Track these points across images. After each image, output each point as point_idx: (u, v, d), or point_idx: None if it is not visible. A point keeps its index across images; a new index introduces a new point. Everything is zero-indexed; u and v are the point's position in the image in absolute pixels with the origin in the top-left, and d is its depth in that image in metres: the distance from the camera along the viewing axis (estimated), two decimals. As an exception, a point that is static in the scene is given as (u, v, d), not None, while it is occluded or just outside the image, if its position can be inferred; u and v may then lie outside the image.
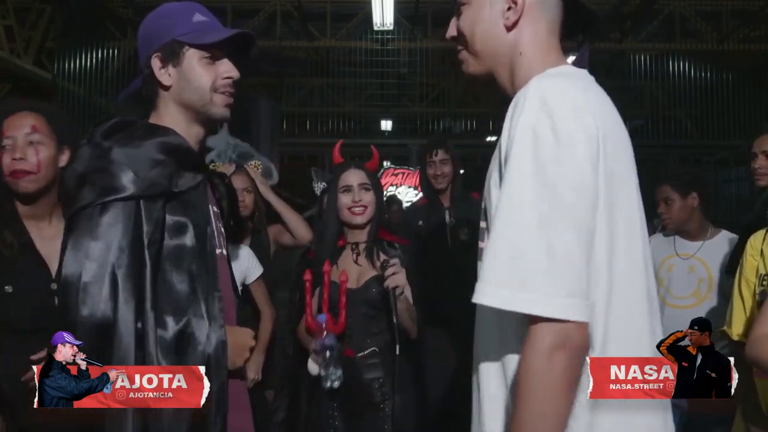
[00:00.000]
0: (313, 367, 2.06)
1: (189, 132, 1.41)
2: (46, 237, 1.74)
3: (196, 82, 1.38)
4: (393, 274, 2.08)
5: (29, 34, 8.26)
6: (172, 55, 1.38)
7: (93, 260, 1.24)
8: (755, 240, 2.02)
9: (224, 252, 1.49)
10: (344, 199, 2.26)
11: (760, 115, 9.20)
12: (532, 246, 0.92)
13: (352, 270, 2.26)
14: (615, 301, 0.98)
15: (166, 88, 1.40)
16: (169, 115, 1.41)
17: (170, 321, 1.27)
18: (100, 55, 8.53)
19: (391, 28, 7.85)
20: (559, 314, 0.90)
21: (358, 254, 2.27)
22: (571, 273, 0.91)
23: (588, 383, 0.97)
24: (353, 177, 2.28)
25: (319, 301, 2.17)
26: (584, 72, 1.12)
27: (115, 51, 8.75)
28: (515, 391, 0.96)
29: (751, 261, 1.99)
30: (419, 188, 9.96)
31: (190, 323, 1.29)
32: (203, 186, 1.42)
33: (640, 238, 1.04)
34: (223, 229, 1.51)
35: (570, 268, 0.91)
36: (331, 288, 2.18)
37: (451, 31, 1.19)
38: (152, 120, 1.42)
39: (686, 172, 3.21)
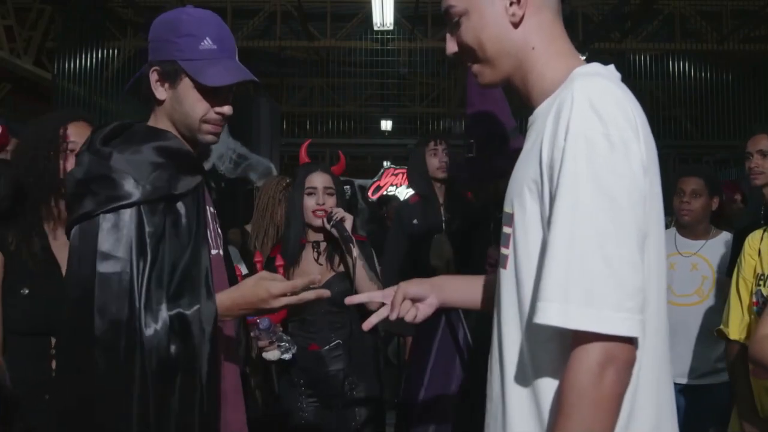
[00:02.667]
0: (267, 355, 2.14)
1: (185, 138, 1.41)
2: (61, 241, 1.75)
3: (187, 109, 1.36)
4: (338, 211, 2.25)
5: (29, 34, 8.27)
6: (169, 75, 1.35)
7: (99, 267, 1.24)
8: (753, 240, 2.02)
9: (221, 253, 1.50)
10: (308, 202, 2.32)
11: (760, 115, 9.21)
12: (590, 258, 0.88)
13: (314, 269, 2.33)
14: (649, 308, 0.95)
15: (160, 102, 1.39)
16: (163, 123, 1.41)
17: (166, 315, 1.28)
18: (100, 55, 8.55)
19: (391, 28, 7.85)
20: (620, 330, 0.87)
21: (319, 253, 2.35)
22: (631, 285, 0.88)
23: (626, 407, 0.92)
24: (319, 180, 2.34)
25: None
26: (612, 68, 1.07)
27: (115, 51, 8.76)
28: (559, 408, 0.91)
29: (749, 261, 2.00)
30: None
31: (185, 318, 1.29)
32: (201, 188, 1.43)
33: (664, 240, 1.01)
34: (219, 231, 1.51)
35: (631, 281, 0.88)
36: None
37: (451, 48, 1.14)
38: (151, 122, 1.42)
39: (716, 177, 3.24)
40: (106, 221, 1.26)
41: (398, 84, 10.85)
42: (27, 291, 1.66)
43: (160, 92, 1.37)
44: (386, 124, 12.16)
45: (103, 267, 1.25)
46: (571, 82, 0.99)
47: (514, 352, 1.02)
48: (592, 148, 0.90)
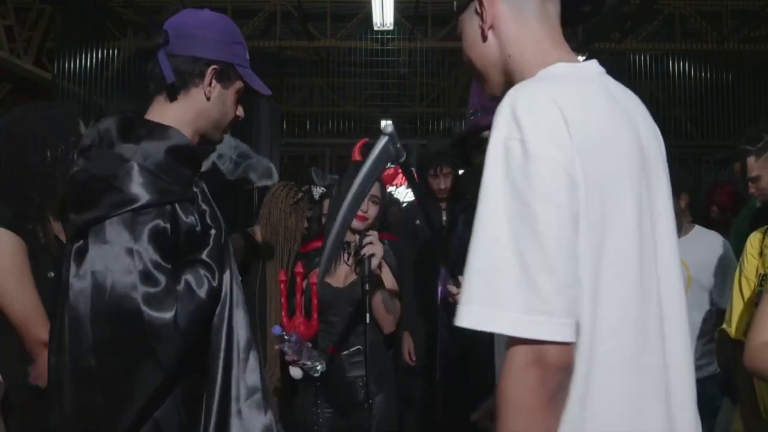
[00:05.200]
0: (293, 372, 2.09)
1: (191, 137, 1.42)
2: (60, 230, 1.81)
3: (226, 110, 1.47)
4: (370, 243, 2.14)
5: (29, 34, 8.26)
6: (225, 77, 1.44)
7: (126, 269, 1.21)
8: (754, 240, 2.02)
9: None
10: None
11: (760, 115, 9.20)
12: (505, 262, 0.89)
13: (341, 269, 2.31)
14: (602, 321, 0.94)
15: (206, 98, 1.42)
16: (177, 117, 1.40)
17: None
18: (100, 55, 8.52)
19: (391, 28, 7.83)
20: (534, 333, 0.86)
21: (349, 254, 2.31)
22: (547, 289, 0.87)
23: (574, 406, 0.93)
24: None
25: (292, 304, 2.19)
26: (585, 69, 1.07)
27: (115, 51, 8.74)
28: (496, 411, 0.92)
29: (751, 261, 1.99)
30: (419, 188, 9.76)
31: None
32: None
33: (636, 250, 0.98)
34: None
35: (545, 283, 0.87)
36: (306, 290, 2.21)
37: (465, 60, 1.20)
38: (154, 113, 1.41)
39: (683, 176, 3.30)
40: (119, 223, 1.23)
41: (398, 84, 10.82)
42: (53, 274, 1.68)
43: (208, 89, 1.41)
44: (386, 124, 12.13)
45: (124, 267, 1.21)
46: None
47: (498, 358, 1.07)
48: (508, 154, 0.92)
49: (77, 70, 8.25)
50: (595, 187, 0.93)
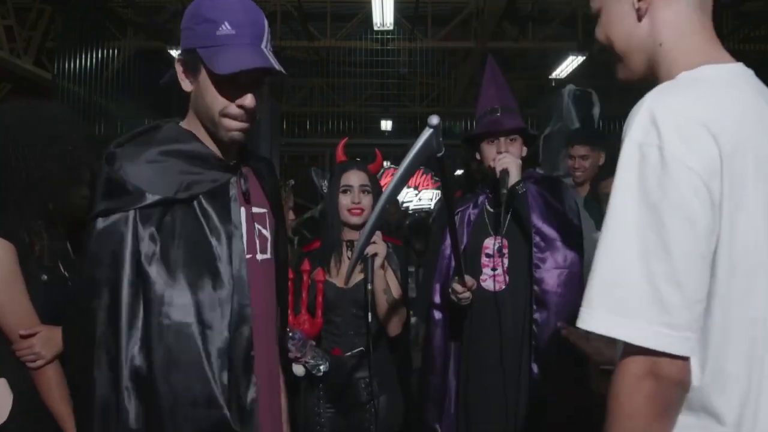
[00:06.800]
0: (296, 369, 2.08)
1: (212, 137, 1.36)
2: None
3: (208, 101, 1.28)
4: (373, 242, 2.08)
5: (29, 34, 8.27)
6: (191, 65, 1.29)
7: (86, 272, 1.26)
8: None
9: (265, 256, 1.43)
10: (343, 200, 2.27)
11: (760, 115, 9.20)
12: (633, 273, 0.88)
13: (345, 269, 2.27)
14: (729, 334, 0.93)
15: (188, 93, 1.34)
16: (193, 120, 1.37)
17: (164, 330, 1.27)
18: (100, 55, 8.52)
19: (391, 28, 7.83)
20: (655, 344, 0.87)
21: (352, 252, 2.26)
22: (672, 302, 0.87)
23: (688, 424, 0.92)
24: (354, 178, 2.28)
25: (297, 300, 2.17)
26: (730, 70, 1.01)
27: (115, 51, 8.75)
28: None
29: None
30: (419, 188, 9.83)
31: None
32: (226, 189, 1.37)
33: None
34: (266, 232, 1.44)
35: (671, 296, 0.87)
36: (311, 287, 2.20)
37: (597, 44, 1.14)
38: (185, 120, 1.38)
39: None
40: (103, 223, 1.25)
41: (398, 84, 10.84)
42: (46, 277, 1.67)
43: (186, 84, 1.32)
44: (386, 124, 12.16)
45: (89, 271, 1.25)
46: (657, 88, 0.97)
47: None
48: (644, 160, 0.89)
49: (77, 70, 8.25)
50: (746, 185, 0.90)
